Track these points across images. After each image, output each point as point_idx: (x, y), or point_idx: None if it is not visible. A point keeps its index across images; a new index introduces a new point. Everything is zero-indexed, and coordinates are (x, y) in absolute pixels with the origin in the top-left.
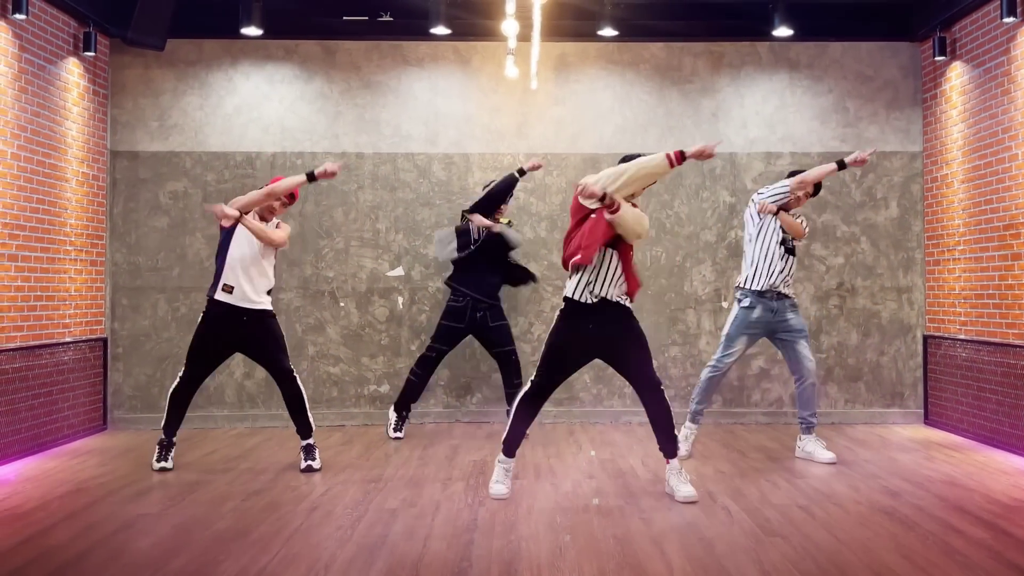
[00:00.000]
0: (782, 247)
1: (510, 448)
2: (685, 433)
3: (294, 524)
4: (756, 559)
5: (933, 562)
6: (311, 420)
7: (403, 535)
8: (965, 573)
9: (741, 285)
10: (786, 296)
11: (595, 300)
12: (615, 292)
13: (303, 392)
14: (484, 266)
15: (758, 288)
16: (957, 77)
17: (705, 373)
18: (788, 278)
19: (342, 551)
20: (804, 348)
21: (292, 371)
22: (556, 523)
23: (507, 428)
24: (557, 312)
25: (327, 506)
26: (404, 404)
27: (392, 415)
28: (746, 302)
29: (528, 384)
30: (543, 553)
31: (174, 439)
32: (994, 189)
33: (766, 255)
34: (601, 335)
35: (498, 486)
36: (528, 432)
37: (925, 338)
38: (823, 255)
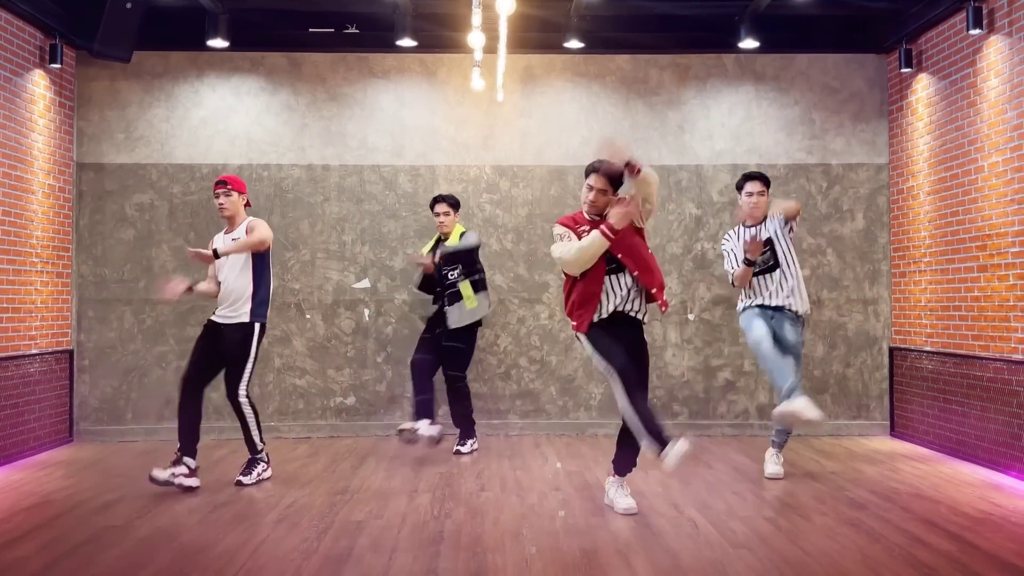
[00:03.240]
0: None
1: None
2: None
3: (259, 536)
4: (722, 571)
5: (899, 574)
6: (254, 442)
7: (369, 547)
8: None
9: None
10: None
11: (607, 316)
12: (629, 308)
13: (243, 417)
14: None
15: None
16: (923, 89)
17: None
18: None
19: (308, 563)
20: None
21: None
22: (522, 535)
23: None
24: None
25: (293, 518)
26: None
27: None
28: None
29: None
30: (509, 566)
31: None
32: (960, 201)
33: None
34: (623, 333)
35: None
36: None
37: (891, 350)
38: None
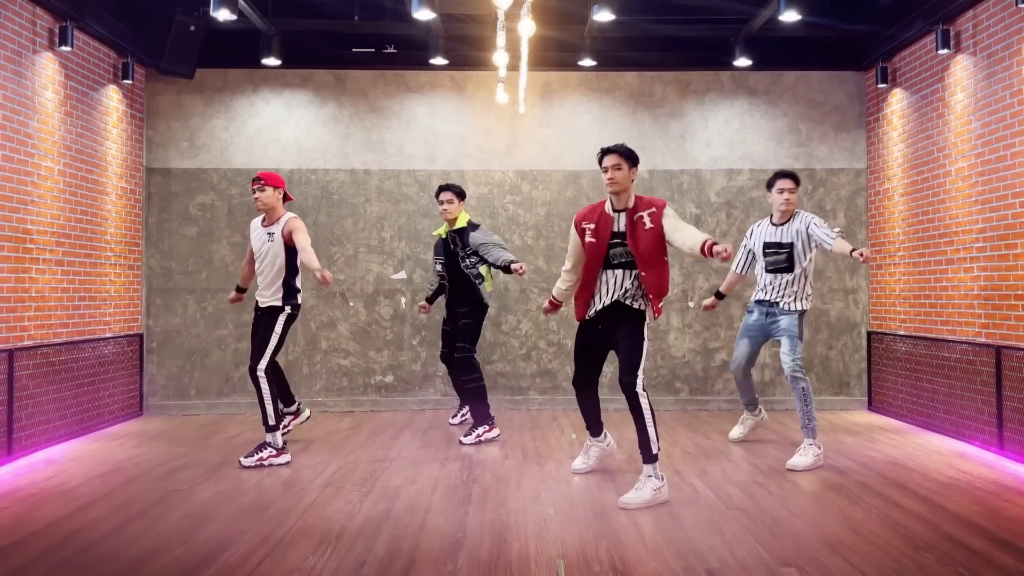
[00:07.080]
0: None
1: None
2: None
3: (308, 499)
4: (719, 530)
5: (876, 532)
6: (266, 416)
7: (405, 509)
8: (904, 542)
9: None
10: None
11: (595, 313)
12: (620, 298)
13: (260, 391)
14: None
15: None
16: (897, 102)
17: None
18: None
19: (351, 523)
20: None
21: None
22: (541, 498)
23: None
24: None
25: (338, 483)
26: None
27: None
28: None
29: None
30: (530, 524)
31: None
32: (930, 202)
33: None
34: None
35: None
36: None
37: (869, 334)
38: None
